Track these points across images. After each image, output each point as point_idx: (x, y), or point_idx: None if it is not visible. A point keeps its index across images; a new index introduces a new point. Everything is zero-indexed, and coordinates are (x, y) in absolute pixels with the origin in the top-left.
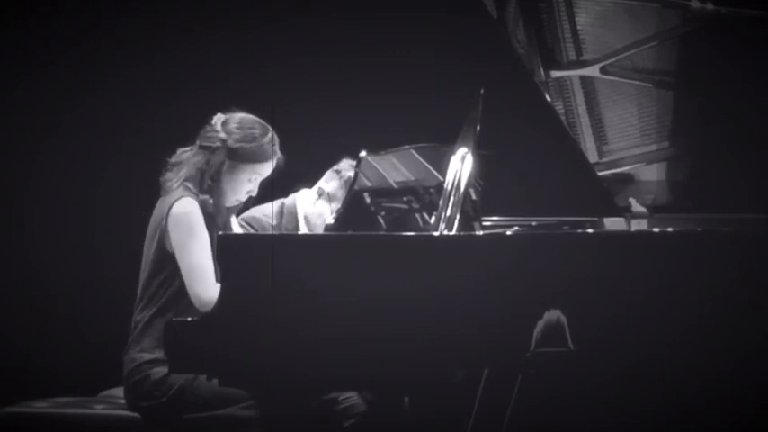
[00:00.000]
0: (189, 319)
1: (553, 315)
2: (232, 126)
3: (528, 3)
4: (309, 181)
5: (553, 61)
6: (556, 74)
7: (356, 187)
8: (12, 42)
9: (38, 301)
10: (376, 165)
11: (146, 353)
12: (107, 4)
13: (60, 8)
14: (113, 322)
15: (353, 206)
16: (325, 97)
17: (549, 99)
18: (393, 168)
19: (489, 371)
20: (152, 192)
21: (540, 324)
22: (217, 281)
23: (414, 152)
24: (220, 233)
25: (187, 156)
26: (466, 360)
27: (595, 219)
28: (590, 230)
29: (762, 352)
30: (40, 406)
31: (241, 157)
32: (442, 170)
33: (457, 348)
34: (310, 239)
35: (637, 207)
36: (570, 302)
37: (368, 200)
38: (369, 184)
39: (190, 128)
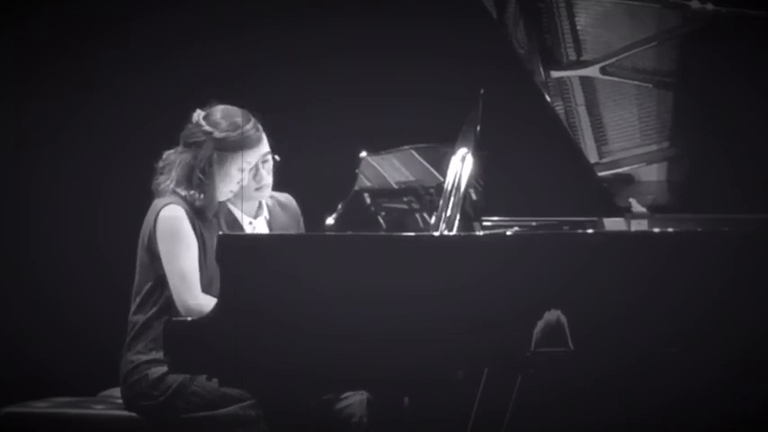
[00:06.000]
0: (189, 319)
1: (553, 315)
2: (215, 118)
3: (528, 3)
4: (309, 182)
5: (553, 61)
6: (556, 74)
7: (356, 187)
8: (12, 42)
9: (38, 301)
10: (376, 165)
11: (142, 354)
12: (107, 5)
13: (60, 8)
14: (113, 322)
15: (353, 206)
16: (326, 98)
17: (549, 99)
18: (393, 169)
19: (489, 371)
20: (152, 192)
21: (540, 324)
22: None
23: (414, 152)
24: (220, 233)
25: (174, 157)
26: (466, 360)
27: (595, 219)
28: (590, 230)
29: (762, 352)
30: (40, 406)
31: (229, 146)
32: (442, 170)
33: (457, 348)
34: (310, 239)
35: (637, 207)
36: (570, 302)
37: (368, 200)
38: (369, 185)
39: None
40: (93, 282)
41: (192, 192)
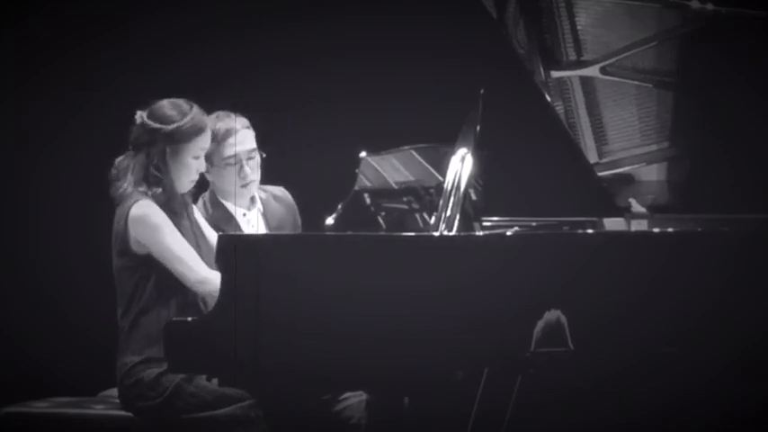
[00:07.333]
0: (189, 319)
1: (553, 315)
2: (159, 114)
3: (528, 3)
4: (309, 182)
5: (553, 61)
6: (556, 74)
7: (356, 187)
8: (12, 42)
9: (38, 301)
10: (376, 165)
11: (136, 355)
12: (107, 5)
13: (60, 8)
14: (113, 322)
15: (353, 206)
16: (326, 98)
17: (549, 99)
18: (393, 169)
19: (489, 371)
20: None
21: (540, 324)
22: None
23: (414, 152)
24: (219, 233)
25: (127, 162)
26: (466, 360)
27: (595, 219)
28: (590, 230)
29: (762, 352)
30: (40, 406)
31: (180, 137)
32: (442, 170)
33: (457, 348)
34: (310, 239)
35: (637, 207)
36: (570, 302)
37: (368, 200)
38: (369, 185)
39: None
40: (93, 282)
41: (152, 189)
